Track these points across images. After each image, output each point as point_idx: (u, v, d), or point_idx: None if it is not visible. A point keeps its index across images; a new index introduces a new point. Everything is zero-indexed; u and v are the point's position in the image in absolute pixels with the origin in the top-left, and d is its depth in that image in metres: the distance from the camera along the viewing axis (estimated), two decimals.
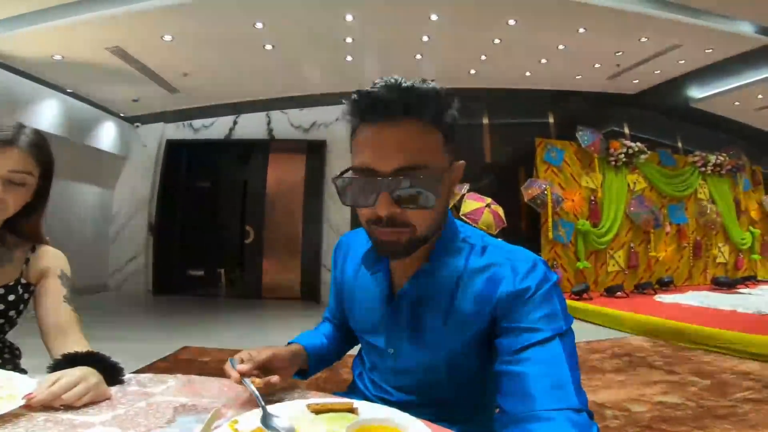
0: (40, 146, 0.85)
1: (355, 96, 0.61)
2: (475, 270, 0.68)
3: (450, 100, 0.62)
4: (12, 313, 0.89)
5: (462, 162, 0.67)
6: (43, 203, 0.93)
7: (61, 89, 5.46)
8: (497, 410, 0.61)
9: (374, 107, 0.59)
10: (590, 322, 4.73)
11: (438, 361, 0.69)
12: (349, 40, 5.02)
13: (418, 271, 0.69)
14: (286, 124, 6.62)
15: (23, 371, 0.90)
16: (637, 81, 6.40)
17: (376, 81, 0.61)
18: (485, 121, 6.83)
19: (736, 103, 6.87)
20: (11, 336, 0.95)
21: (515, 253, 0.68)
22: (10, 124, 0.81)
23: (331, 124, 6.54)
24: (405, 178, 0.58)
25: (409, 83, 0.59)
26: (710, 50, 5.34)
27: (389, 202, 0.58)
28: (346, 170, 0.63)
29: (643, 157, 6.63)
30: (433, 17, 4.65)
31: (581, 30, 4.97)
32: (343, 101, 0.63)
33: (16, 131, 0.80)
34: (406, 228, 0.61)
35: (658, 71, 6.02)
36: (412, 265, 0.70)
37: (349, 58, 5.46)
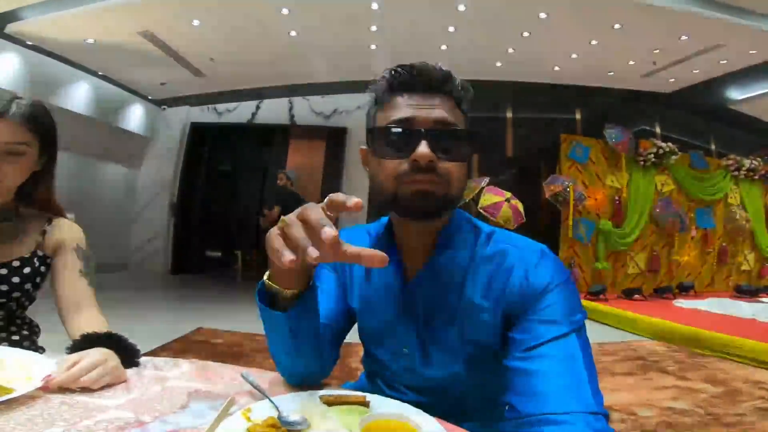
0: (36, 116, 0.83)
1: (397, 69, 0.65)
2: (483, 258, 0.66)
3: (470, 92, 0.67)
4: (28, 286, 0.87)
5: (473, 155, 0.70)
6: (50, 172, 0.92)
7: (92, 72, 5.60)
8: (507, 407, 0.58)
9: (412, 80, 0.64)
10: (604, 323, 4.64)
11: (455, 356, 0.67)
12: (373, 28, 4.97)
13: (430, 258, 0.68)
14: (307, 110, 6.63)
15: (41, 349, 0.91)
16: (673, 80, 6.15)
17: (401, 64, 0.65)
18: (509, 114, 6.69)
19: None
20: (31, 313, 0.96)
21: (521, 242, 0.67)
22: (6, 97, 0.80)
23: (352, 111, 6.52)
24: (443, 130, 0.62)
25: (444, 67, 0.65)
26: (754, 51, 5.08)
27: (429, 148, 0.61)
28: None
29: (673, 158, 6.36)
30: (461, 8, 4.55)
31: (616, 26, 4.79)
32: (382, 75, 0.66)
33: (7, 103, 0.79)
34: (441, 179, 0.62)
35: (697, 71, 5.75)
36: (424, 252, 0.69)
37: (373, 47, 5.41)
